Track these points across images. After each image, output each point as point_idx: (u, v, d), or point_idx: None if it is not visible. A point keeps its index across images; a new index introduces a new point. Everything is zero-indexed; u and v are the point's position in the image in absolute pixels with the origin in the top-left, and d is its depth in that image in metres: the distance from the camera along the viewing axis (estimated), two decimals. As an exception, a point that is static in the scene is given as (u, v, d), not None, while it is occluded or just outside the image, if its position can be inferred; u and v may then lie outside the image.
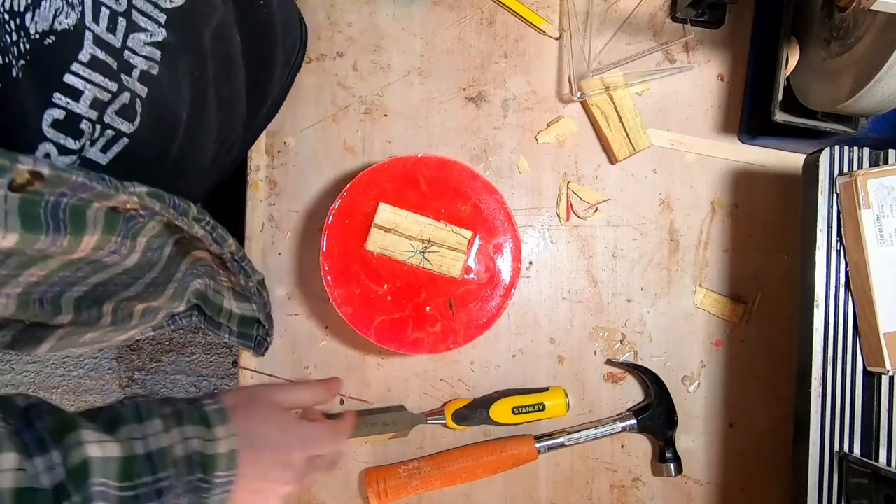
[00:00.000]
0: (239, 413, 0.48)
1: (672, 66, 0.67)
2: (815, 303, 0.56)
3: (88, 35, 0.36)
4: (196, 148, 0.51)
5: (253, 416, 0.50)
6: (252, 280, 0.56)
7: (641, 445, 0.66)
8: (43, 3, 0.33)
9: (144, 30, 0.40)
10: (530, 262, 0.66)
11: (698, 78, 0.67)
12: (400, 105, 0.66)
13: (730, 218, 0.67)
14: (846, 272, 0.56)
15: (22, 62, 0.32)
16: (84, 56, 0.36)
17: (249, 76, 0.56)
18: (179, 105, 0.46)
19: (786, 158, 0.67)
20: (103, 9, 0.37)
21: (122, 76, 0.39)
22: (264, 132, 0.66)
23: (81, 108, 0.37)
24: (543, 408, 0.63)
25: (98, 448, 0.39)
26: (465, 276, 0.58)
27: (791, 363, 0.59)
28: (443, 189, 0.59)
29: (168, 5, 0.42)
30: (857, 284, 0.56)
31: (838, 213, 0.56)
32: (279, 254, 0.66)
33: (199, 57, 0.47)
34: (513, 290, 0.59)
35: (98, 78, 0.37)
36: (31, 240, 0.36)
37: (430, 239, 0.58)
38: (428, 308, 0.58)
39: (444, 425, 0.63)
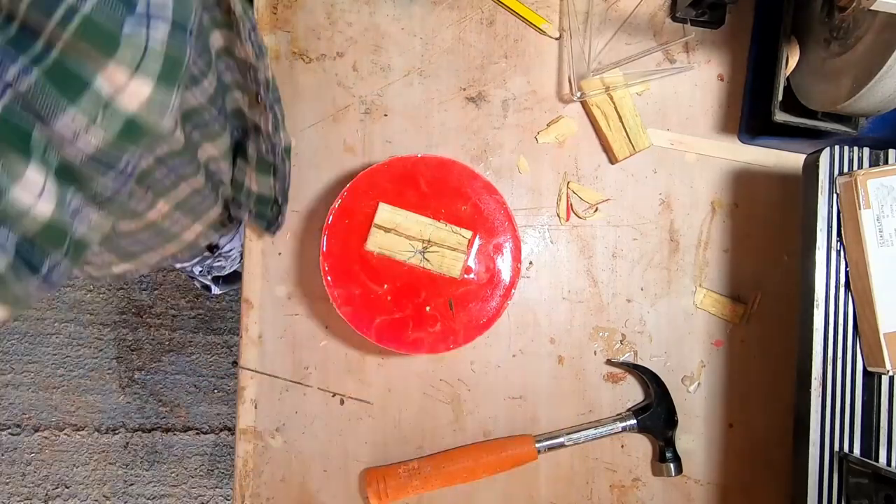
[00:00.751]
0: None
1: (672, 66, 0.67)
2: (815, 303, 0.56)
3: None
4: None
5: None
6: (280, 127, 0.57)
7: (641, 445, 0.66)
8: None
9: None
10: (530, 262, 0.66)
11: (698, 78, 0.67)
12: (400, 105, 0.66)
13: (730, 218, 0.67)
14: (846, 272, 0.56)
15: None
16: None
17: None
18: None
19: (786, 158, 0.67)
20: None
21: None
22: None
23: None
24: None
25: None
26: (465, 277, 0.58)
27: (791, 363, 0.59)
28: (443, 189, 0.59)
29: None
30: (857, 284, 0.55)
31: (838, 213, 0.56)
32: (279, 254, 0.66)
33: None
34: (513, 290, 0.59)
35: None
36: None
37: (430, 239, 0.58)
38: (428, 308, 0.58)
39: None
